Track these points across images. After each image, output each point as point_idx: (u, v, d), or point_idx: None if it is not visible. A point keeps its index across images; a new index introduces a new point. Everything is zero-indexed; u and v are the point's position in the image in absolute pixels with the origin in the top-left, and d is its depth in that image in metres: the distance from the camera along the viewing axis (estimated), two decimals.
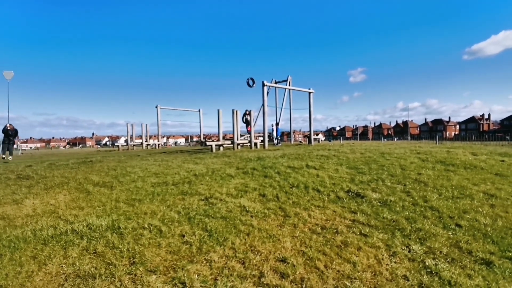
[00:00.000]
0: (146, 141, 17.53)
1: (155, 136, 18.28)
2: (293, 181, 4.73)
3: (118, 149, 16.18)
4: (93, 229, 2.98)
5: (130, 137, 16.49)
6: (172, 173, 5.39)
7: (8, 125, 10.58)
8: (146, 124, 17.46)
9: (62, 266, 2.41)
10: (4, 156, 10.02)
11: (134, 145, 16.82)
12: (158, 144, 17.63)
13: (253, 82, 13.37)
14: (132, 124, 16.92)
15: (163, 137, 18.26)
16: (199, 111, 19.98)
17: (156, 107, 17.95)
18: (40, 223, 3.16)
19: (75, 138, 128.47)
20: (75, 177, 5.15)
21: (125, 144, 17.45)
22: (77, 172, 5.56)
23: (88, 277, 2.26)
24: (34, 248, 2.64)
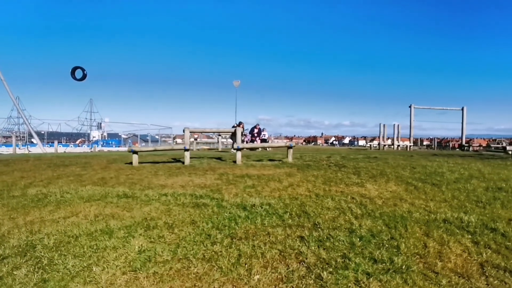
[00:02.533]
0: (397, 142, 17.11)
1: (401, 138, 17.53)
2: None
3: (370, 148, 16.94)
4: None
5: (382, 138, 16.72)
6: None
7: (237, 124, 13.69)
8: (398, 125, 17.04)
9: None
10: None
11: (384, 146, 16.93)
12: (410, 146, 16.66)
13: None
14: (384, 125, 17.13)
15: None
16: (462, 109, 16.90)
17: (410, 106, 17.08)
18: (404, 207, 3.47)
19: (309, 136, 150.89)
20: (384, 170, 5.55)
21: (377, 145, 17.88)
22: (382, 166, 6.02)
23: None
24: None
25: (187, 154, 7.11)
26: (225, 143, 21.24)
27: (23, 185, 5.06)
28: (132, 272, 2.15)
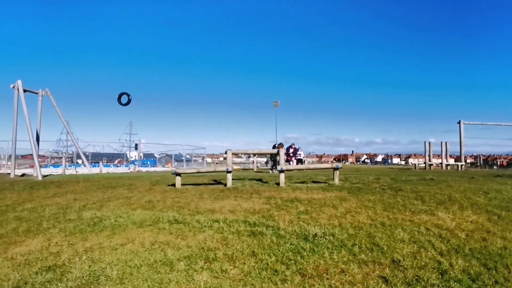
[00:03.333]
0: (446, 161, 15.84)
1: (451, 156, 16.18)
2: None
3: (415, 168, 15.84)
4: None
5: (428, 156, 15.59)
6: None
7: (277, 145, 13.61)
8: (446, 143, 15.83)
9: None
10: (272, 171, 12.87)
11: (431, 165, 15.76)
12: (462, 166, 15.28)
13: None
14: (430, 142, 16.03)
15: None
16: None
17: (459, 122, 15.86)
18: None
19: (339, 155, 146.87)
20: (452, 195, 4.94)
21: (423, 163, 16.71)
22: (446, 189, 5.41)
23: None
24: None
25: (229, 176, 6.98)
26: (255, 162, 21.06)
27: (78, 207, 5.18)
28: None
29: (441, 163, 15.42)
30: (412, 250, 2.85)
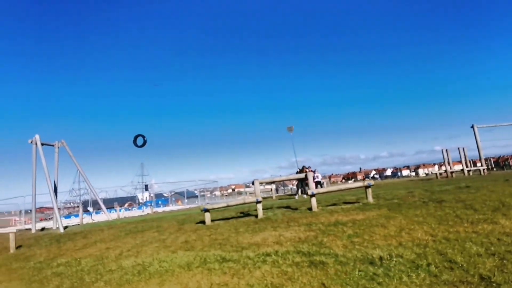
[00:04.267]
0: (467, 166, 15.45)
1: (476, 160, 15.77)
2: None
3: (436, 177, 15.43)
4: None
5: (448, 163, 15.24)
6: None
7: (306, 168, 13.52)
8: (464, 148, 15.57)
9: None
10: (298, 196, 12.68)
11: (452, 172, 15.35)
12: (484, 170, 14.87)
13: None
14: (447, 150, 15.75)
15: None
16: None
17: (472, 127, 15.72)
18: None
19: (347, 173, 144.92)
20: (502, 200, 4.72)
21: (443, 171, 16.32)
22: (490, 195, 5.16)
23: None
24: None
25: (259, 206, 6.80)
26: (273, 190, 20.71)
27: (114, 256, 5.01)
28: None
29: (462, 170, 15.04)
30: (495, 264, 2.64)
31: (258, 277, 3.12)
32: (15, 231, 8.51)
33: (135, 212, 26.61)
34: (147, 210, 27.49)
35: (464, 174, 14.83)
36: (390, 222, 4.50)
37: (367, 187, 6.73)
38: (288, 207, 8.12)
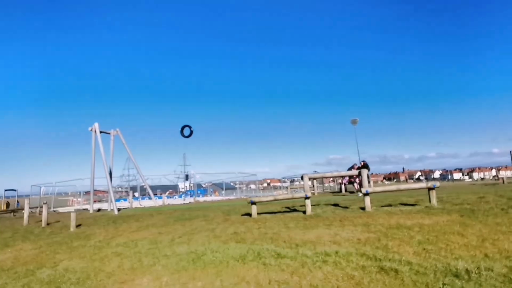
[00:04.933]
0: None
1: None
2: None
3: (503, 182, 13.73)
4: None
5: None
6: None
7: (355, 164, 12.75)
8: None
9: None
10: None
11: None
12: None
13: None
14: None
15: None
16: None
17: None
18: None
19: (389, 173, 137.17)
20: None
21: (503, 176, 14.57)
22: None
23: None
24: None
25: (308, 202, 6.53)
26: (315, 187, 20.10)
27: (167, 242, 5.12)
28: None
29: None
30: None
31: (320, 278, 2.89)
32: (73, 210, 9.26)
33: (177, 200, 27.88)
34: (188, 199, 28.61)
35: None
36: (467, 230, 3.96)
37: (430, 188, 6.09)
38: (336, 204, 7.73)
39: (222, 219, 7.06)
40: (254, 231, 5.28)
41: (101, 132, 13.32)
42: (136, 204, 20.13)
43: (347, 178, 14.17)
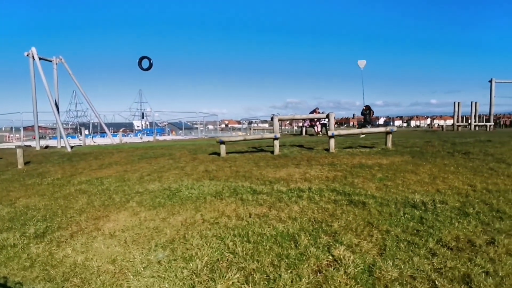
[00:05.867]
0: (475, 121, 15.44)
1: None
2: None
3: (442, 129, 15.48)
4: None
5: (457, 117, 15.13)
6: None
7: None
8: (476, 103, 15.30)
9: None
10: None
11: (458, 126, 15.37)
12: (491, 126, 14.93)
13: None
14: (459, 103, 15.45)
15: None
16: None
17: (490, 81, 15.20)
18: None
19: (341, 118, 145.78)
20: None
21: (436, 125, 16.38)
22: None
23: None
24: None
25: (276, 143, 6.71)
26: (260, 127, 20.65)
27: (136, 179, 4.99)
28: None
29: (469, 124, 15.05)
30: None
31: (297, 211, 3.10)
32: (14, 147, 8.38)
33: (134, 139, 26.76)
34: (146, 138, 27.63)
35: (470, 128, 14.88)
36: (419, 169, 4.46)
37: (388, 133, 6.60)
38: (301, 146, 8.08)
39: (190, 158, 7.01)
40: (226, 169, 5.35)
41: (41, 59, 11.49)
42: (89, 141, 18.91)
43: (308, 121, 14.70)
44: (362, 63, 13.27)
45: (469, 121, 14.77)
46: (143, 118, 50.32)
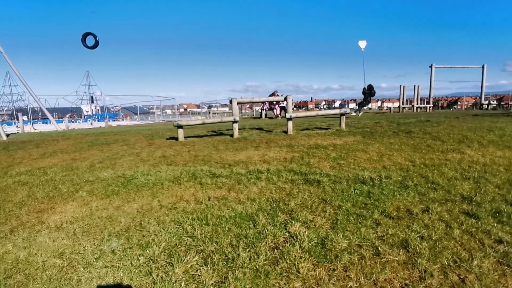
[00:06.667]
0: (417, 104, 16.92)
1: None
2: None
3: (390, 111, 16.72)
4: None
5: (402, 100, 16.39)
6: None
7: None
8: (418, 86, 16.68)
9: None
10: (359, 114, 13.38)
11: (403, 108, 16.73)
12: (430, 107, 16.51)
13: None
14: (404, 87, 16.72)
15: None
16: (482, 67, 16.54)
17: (431, 66, 16.63)
18: None
19: (300, 102, 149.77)
20: (464, 134, 5.32)
21: (385, 107, 17.72)
22: (452, 129, 5.77)
23: None
24: None
25: (236, 126, 6.69)
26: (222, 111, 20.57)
27: (86, 168, 4.66)
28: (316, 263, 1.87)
29: (412, 106, 16.49)
30: (471, 186, 3.00)
31: (256, 192, 3.17)
32: None
33: (83, 125, 24.79)
34: (97, 123, 25.77)
35: (414, 110, 16.31)
36: (369, 148, 4.79)
37: (342, 114, 6.94)
38: (261, 128, 8.17)
39: (146, 143, 6.71)
40: (184, 154, 5.23)
41: None
42: (28, 129, 17.05)
43: (268, 104, 14.85)
44: (362, 43, 13.14)
45: (412, 104, 16.18)
46: (92, 102, 46.59)
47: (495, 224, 2.27)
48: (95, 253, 2.11)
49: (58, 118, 31.56)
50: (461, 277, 1.75)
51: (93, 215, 2.78)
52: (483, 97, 17.76)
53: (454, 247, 2.01)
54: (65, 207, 3.04)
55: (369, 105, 14.19)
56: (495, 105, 20.65)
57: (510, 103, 26.38)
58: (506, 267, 1.81)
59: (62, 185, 3.79)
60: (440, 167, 3.61)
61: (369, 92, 13.57)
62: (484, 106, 17.18)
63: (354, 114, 9.07)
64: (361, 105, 14.12)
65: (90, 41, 11.05)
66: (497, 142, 4.66)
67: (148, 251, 2.08)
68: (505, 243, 2.04)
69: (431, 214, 2.48)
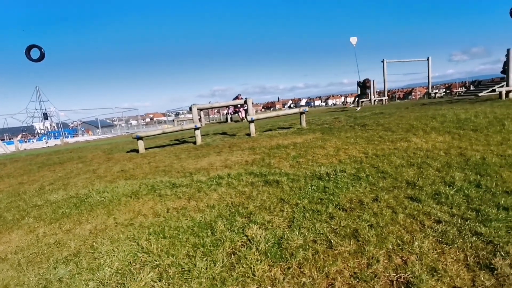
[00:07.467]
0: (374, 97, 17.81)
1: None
2: None
3: (350, 106, 17.52)
4: None
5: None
6: None
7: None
8: (374, 80, 17.62)
9: None
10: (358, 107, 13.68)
11: (362, 102, 17.54)
12: (386, 100, 17.52)
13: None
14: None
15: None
16: (427, 60, 17.90)
17: (382, 61, 17.66)
18: None
19: (267, 102, 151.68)
20: (410, 123, 5.73)
21: (352, 102, 18.56)
22: (401, 120, 6.19)
23: None
24: None
25: (197, 133, 6.61)
26: (202, 118, 20.25)
27: (34, 191, 4.34)
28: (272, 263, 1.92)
29: (370, 99, 17.41)
30: (415, 172, 3.24)
31: (216, 199, 3.15)
32: None
33: (37, 144, 23.02)
34: (52, 141, 24.10)
35: (371, 103, 17.23)
36: (327, 144, 4.97)
37: (302, 113, 7.14)
38: (224, 133, 8.14)
39: (104, 158, 6.39)
40: (144, 166, 5.07)
41: None
42: None
43: (232, 108, 14.85)
44: (354, 39, 13.41)
45: (369, 97, 17.11)
46: (46, 119, 43.41)
47: (435, 205, 2.46)
48: (40, 283, 1.97)
49: (9, 139, 29.00)
50: (403, 259, 1.88)
51: (39, 242, 2.59)
52: (430, 86, 19.26)
53: (398, 231, 2.15)
54: (10, 237, 2.81)
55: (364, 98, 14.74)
56: (442, 94, 22.44)
57: (455, 90, 28.88)
58: (444, 245, 1.96)
59: (8, 212, 3.50)
60: (389, 156, 3.84)
61: (363, 85, 14.24)
62: (432, 95, 18.64)
63: (352, 105, 9.57)
64: (359, 98, 14.75)
65: (35, 53, 10.24)
66: (439, 128, 5.07)
67: (98, 274, 1.98)
68: (443, 222, 2.22)
69: (380, 202, 2.63)
